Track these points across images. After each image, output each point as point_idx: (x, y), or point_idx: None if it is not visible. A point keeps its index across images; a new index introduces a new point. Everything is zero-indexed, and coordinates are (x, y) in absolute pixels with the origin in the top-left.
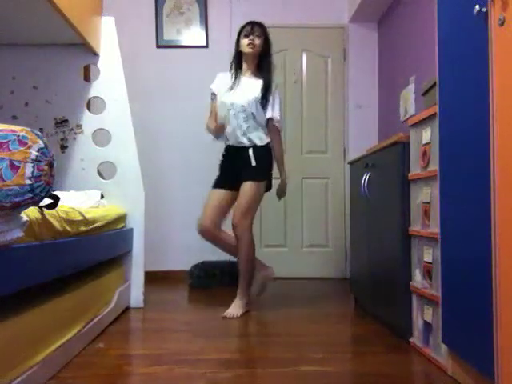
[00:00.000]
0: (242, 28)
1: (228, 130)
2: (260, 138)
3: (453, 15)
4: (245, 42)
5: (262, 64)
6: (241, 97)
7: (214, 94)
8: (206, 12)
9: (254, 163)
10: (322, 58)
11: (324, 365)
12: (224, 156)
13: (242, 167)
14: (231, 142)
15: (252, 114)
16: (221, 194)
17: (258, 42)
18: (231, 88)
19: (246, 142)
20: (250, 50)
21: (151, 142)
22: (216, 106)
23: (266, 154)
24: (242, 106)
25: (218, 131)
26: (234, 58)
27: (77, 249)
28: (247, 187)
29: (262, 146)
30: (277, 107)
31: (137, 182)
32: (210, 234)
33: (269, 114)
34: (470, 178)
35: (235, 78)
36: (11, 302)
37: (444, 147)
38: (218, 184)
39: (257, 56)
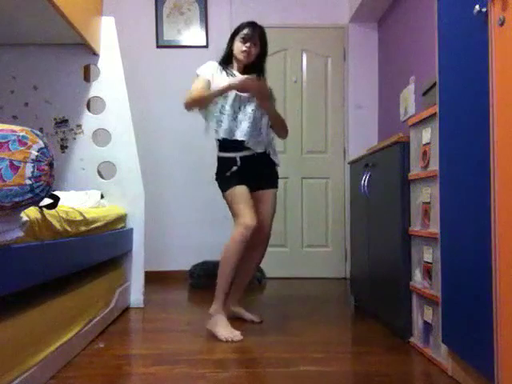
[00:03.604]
0: (240, 29)
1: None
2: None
3: (453, 15)
4: (240, 47)
5: (254, 69)
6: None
7: (208, 81)
8: (206, 12)
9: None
10: (322, 58)
11: (324, 365)
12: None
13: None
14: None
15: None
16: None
17: (253, 51)
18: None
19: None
20: (244, 58)
21: (151, 142)
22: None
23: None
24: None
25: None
26: (224, 55)
27: (77, 249)
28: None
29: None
30: None
31: (137, 182)
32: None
33: None
34: (469, 178)
35: (230, 75)
36: (11, 302)
37: (444, 147)
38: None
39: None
